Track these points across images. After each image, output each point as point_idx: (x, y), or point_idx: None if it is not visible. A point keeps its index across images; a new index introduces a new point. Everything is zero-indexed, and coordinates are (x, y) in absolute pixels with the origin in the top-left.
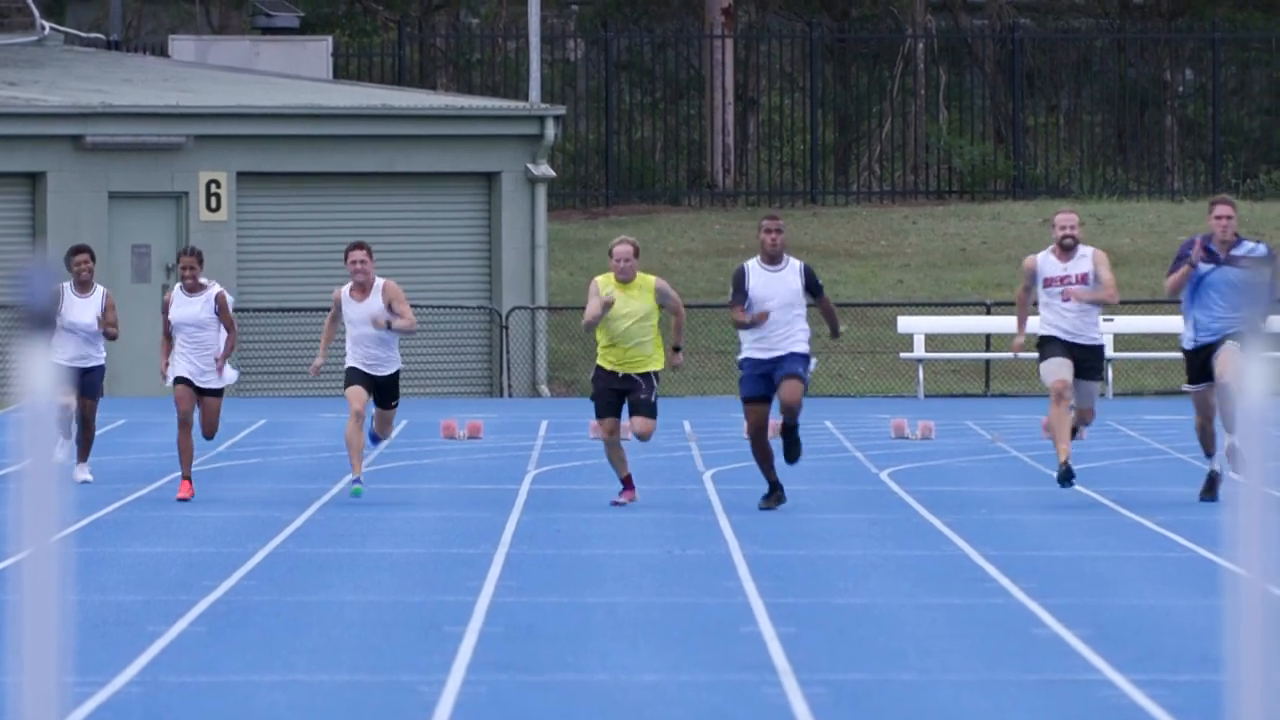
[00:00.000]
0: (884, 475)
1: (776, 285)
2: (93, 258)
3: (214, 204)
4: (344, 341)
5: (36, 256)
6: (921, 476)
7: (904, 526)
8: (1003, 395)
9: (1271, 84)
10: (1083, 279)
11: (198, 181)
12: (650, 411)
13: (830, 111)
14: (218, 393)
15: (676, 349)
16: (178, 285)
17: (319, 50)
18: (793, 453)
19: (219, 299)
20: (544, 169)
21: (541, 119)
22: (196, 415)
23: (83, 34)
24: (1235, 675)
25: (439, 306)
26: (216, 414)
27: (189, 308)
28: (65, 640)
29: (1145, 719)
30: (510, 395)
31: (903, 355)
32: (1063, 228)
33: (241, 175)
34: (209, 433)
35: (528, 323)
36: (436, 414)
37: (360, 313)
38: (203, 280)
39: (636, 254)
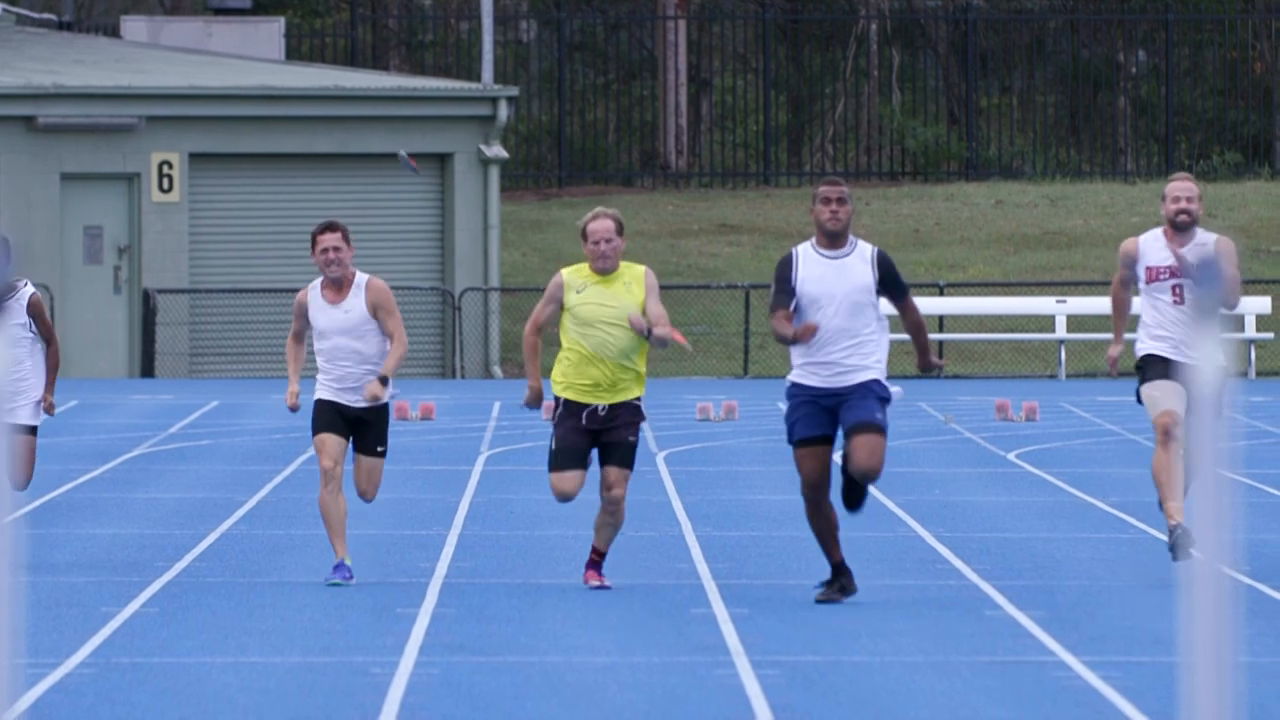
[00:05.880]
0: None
1: (837, 278)
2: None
3: (166, 185)
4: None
5: None
6: None
7: None
8: (956, 377)
9: (1224, 65)
10: None
11: (150, 163)
12: (630, 458)
13: (783, 93)
14: (31, 429)
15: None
16: None
17: (271, 31)
18: (854, 497)
19: (34, 305)
20: (497, 150)
21: (494, 100)
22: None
23: (34, 14)
24: (1188, 656)
25: (391, 288)
26: (31, 457)
27: None
28: (17, 622)
29: (1098, 700)
30: (463, 376)
31: None
32: (1176, 200)
33: (194, 156)
34: (22, 481)
35: (480, 304)
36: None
37: (335, 320)
38: None
39: (620, 231)
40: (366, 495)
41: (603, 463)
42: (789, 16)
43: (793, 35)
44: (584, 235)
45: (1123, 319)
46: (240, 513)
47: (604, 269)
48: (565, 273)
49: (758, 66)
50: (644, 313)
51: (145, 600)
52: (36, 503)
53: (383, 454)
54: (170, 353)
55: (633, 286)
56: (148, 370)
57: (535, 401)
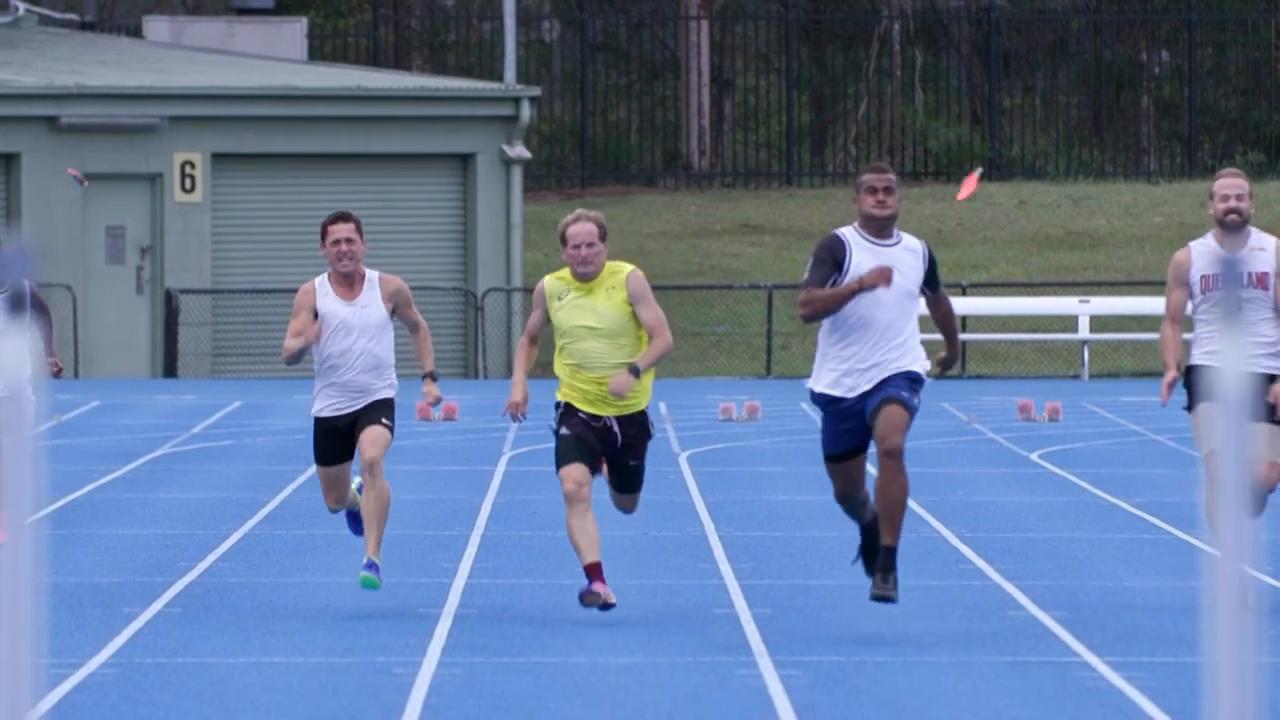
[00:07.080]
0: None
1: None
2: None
3: (189, 185)
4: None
5: (13, 237)
6: None
7: None
8: (979, 377)
9: (1247, 65)
10: (1261, 281)
11: (173, 163)
12: (637, 482)
13: (806, 93)
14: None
15: (634, 370)
16: None
17: (294, 31)
18: (874, 558)
19: (32, 295)
20: (519, 150)
21: (517, 100)
22: None
23: (57, 14)
24: (1211, 657)
25: (414, 288)
26: None
27: None
28: (41, 622)
29: (1121, 700)
30: (485, 377)
31: None
32: (1225, 198)
33: (216, 156)
34: None
35: (503, 304)
36: (411, 396)
37: (352, 315)
38: None
39: (602, 236)
40: (367, 453)
41: (614, 486)
42: (811, 16)
43: (815, 35)
44: (563, 239)
45: (1174, 349)
46: (263, 513)
47: (585, 274)
48: (548, 279)
49: (780, 66)
50: (637, 323)
51: (168, 600)
52: (59, 503)
53: (389, 426)
54: (192, 353)
55: (614, 292)
56: (170, 370)
57: (512, 409)
